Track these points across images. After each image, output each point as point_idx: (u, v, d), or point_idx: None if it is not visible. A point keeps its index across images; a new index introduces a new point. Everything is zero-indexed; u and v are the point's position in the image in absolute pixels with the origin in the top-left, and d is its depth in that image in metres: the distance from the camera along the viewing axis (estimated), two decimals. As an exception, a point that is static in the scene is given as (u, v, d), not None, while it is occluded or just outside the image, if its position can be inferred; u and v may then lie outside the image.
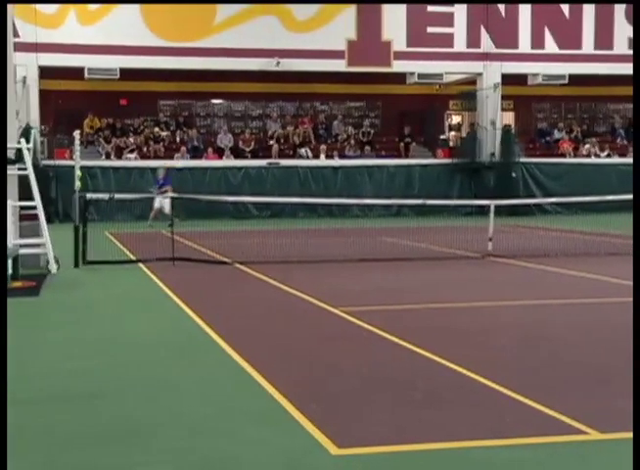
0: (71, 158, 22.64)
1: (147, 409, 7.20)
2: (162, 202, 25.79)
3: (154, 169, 30.19)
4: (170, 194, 25.14)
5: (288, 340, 10.07)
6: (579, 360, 8.80)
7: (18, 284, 14.27)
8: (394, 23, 34.57)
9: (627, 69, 36.01)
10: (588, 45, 36.26)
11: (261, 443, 6.23)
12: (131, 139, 34.86)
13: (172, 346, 9.79)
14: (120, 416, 6.98)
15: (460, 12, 35.18)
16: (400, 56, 34.78)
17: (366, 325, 10.55)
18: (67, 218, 24.63)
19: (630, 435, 6.20)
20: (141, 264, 17.21)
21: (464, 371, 8.14)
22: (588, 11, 36.19)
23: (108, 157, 33.28)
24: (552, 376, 8.14)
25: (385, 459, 5.82)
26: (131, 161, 33.03)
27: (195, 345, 9.79)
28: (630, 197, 24.16)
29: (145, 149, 34.29)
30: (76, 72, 31.93)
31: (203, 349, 9.53)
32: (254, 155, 34.71)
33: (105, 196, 20.98)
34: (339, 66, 34.34)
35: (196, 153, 34.70)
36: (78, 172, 18.79)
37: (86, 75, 31.98)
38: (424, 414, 6.89)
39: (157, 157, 33.54)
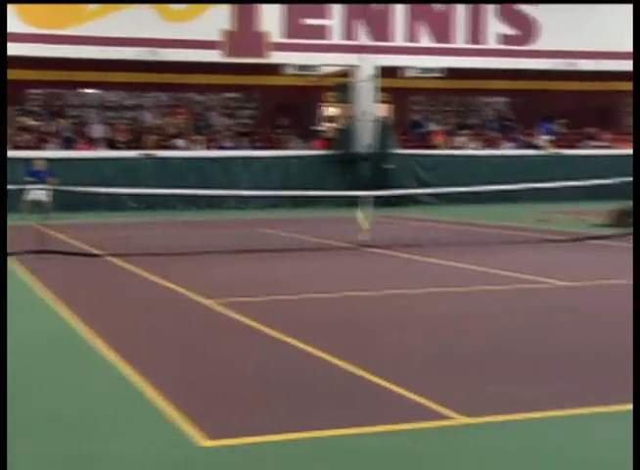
0: None
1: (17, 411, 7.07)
2: (39, 194, 25.27)
3: (28, 160, 29.64)
4: (48, 186, 24.73)
5: (161, 334, 9.93)
6: (449, 347, 8.89)
7: None
8: (271, 14, 34.58)
9: (498, 63, 36.80)
10: (460, 39, 36.75)
11: (131, 437, 6.18)
12: None
13: (38, 343, 9.56)
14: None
15: (336, 4, 35.35)
16: (277, 47, 34.78)
17: (241, 317, 10.53)
18: None
19: (499, 418, 6.43)
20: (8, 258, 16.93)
21: (335, 361, 8.16)
22: (461, 6, 36.63)
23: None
24: (422, 363, 8.22)
25: (256, 449, 5.83)
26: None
27: (67, 345, 9.53)
28: (503, 188, 24.74)
29: (14, 139, 33.59)
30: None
31: (76, 349, 9.28)
32: (129, 146, 34.42)
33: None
34: (215, 56, 34.20)
35: (68, 144, 34.26)
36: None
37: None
38: (295, 404, 6.91)
39: (25, 147, 32.96)
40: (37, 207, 25.48)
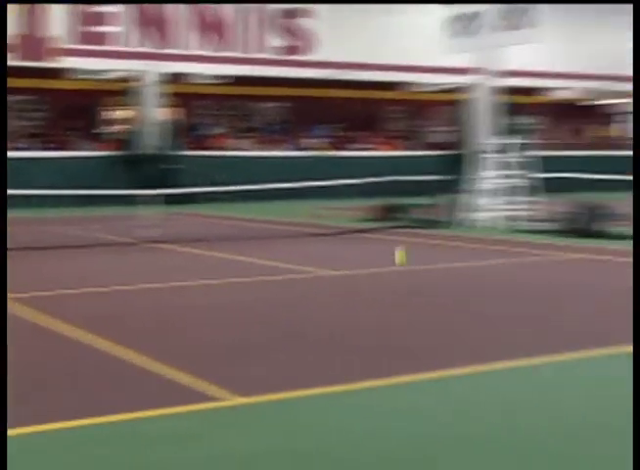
0: None
1: None
2: None
3: None
4: None
5: None
6: (226, 333, 8.87)
7: None
8: (60, 19, 33.91)
9: (277, 72, 37.13)
10: (243, 48, 36.90)
11: None
12: None
13: None
14: None
15: (122, 11, 34.93)
16: (66, 52, 34.14)
17: (29, 309, 10.28)
18: None
19: (271, 397, 6.37)
20: None
21: (115, 350, 8.01)
22: (240, 16, 36.74)
23: None
24: (200, 350, 8.15)
25: (63, 435, 5.67)
26: None
27: None
28: (281, 186, 24.96)
29: None
30: None
31: None
32: None
33: None
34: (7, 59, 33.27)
35: None
36: None
37: None
38: (75, 392, 6.73)
39: None
40: None
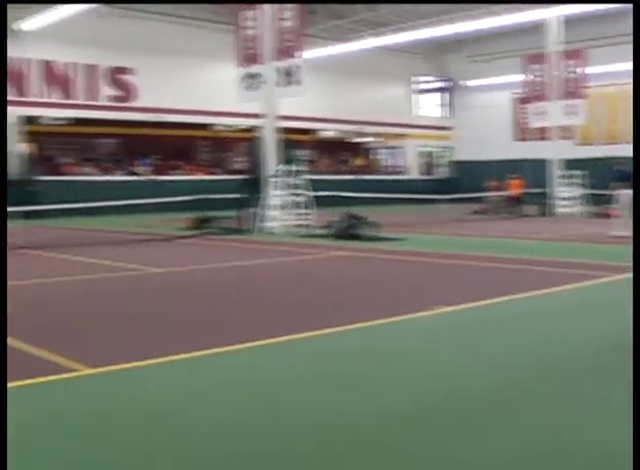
0: None
1: None
2: None
3: None
4: None
5: None
6: (64, 319, 8.61)
7: None
8: None
9: (110, 115, 36.60)
10: (82, 97, 36.20)
11: None
12: None
13: None
14: None
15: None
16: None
17: None
18: None
19: (121, 366, 6.24)
20: None
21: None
22: (81, 72, 35.99)
23: None
24: (51, 330, 7.85)
25: None
26: None
27: None
28: (115, 203, 24.47)
29: None
30: None
31: None
32: None
33: None
34: None
35: None
36: None
37: None
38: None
39: None
40: None
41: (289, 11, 22.97)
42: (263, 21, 23.08)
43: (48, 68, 35.23)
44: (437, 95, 51.64)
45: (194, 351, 6.73)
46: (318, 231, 20.61)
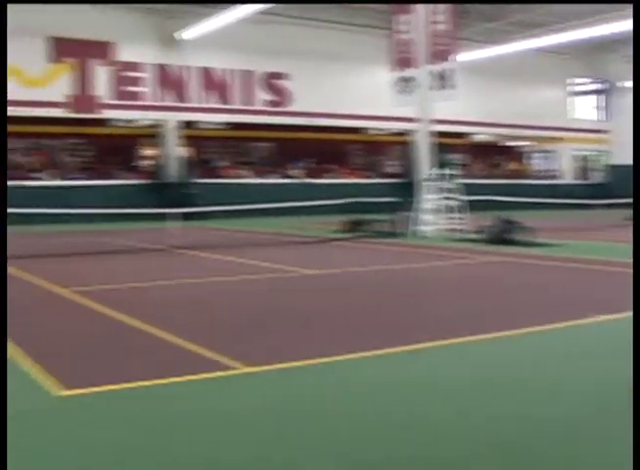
0: None
1: None
2: None
3: None
4: None
5: (22, 311, 9.53)
6: (234, 317, 8.78)
7: None
8: (101, 82, 33.96)
9: (265, 119, 37.42)
10: (239, 102, 37.12)
11: None
12: None
13: None
14: None
15: (149, 76, 35.03)
16: (107, 106, 34.19)
17: (82, 299, 10.18)
18: None
19: (277, 366, 6.34)
20: None
21: (150, 329, 7.91)
22: (237, 79, 36.95)
23: None
24: (215, 329, 8.03)
25: (101, 397, 5.51)
26: None
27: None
28: (272, 205, 25.00)
29: None
30: None
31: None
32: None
33: None
34: (62, 113, 33.35)
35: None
36: None
37: None
38: (123, 360, 6.62)
39: None
40: None
41: (442, 14, 22.81)
42: (417, 24, 23.00)
43: (206, 74, 36.39)
44: (594, 97, 50.00)
45: (355, 351, 6.75)
46: (471, 235, 20.31)
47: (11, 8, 30.74)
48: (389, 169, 40.77)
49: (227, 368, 6.24)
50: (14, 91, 31.60)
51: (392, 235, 21.24)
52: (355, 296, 10.60)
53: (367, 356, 6.63)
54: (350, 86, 38.80)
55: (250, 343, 7.33)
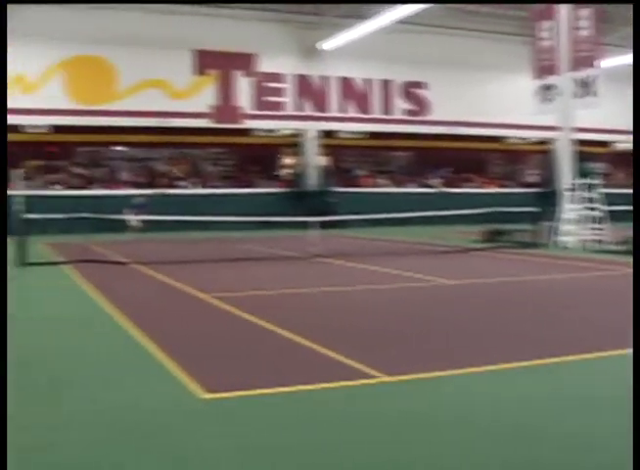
0: (14, 188, 22.07)
1: (61, 368, 6.99)
2: (133, 220, 25.58)
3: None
4: (141, 217, 25.19)
5: (168, 315, 9.93)
6: (375, 325, 8.89)
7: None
8: (244, 93, 34.79)
9: (404, 128, 37.38)
10: (377, 112, 37.26)
11: (144, 392, 6.05)
12: (58, 175, 34.27)
13: (82, 322, 9.49)
14: (44, 373, 6.80)
15: (290, 86, 35.67)
16: (249, 117, 34.98)
17: (226, 305, 10.51)
18: (11, 232, 23.70)
19: (413, 376, 6.40)
20: (64, 265, 16.81)
21: (294, 336, 8.11)
22: (376, 88, 37.15)
23: (42, 188, 32.57)
24: (356, 337, 8.15)
25: (244, 401, 5.75)
26: (58, 190, 32.38)
27: (99, 321, 9.45)
28: (409, 215, 24.92)
29: (68, 182, 33.73)
30: (19, 128, 31.20)
31: (104, 324, 9.19)
32: (147, 186, 34.28)
33: (39, 216, 20.40)
34: (205, 123, 34.36)
35: (105, 185, 34.23)
36: (20, 199, 18.29)
37: (25, 130, 31.34)
38: (267, 366, 6.84)
39: (76, 188, 33.12)
40: (134, 229, 25.70)
41: (585, 20, 22.27)
42: (559, 31, 22.54)
43: (346, 84, 36.77)
44: None
45: (495, 363, 6.73)
46: (613, 247, 19.71)
47: (157, 23, 32.10)
48: (529, 179, 40.05)
49: (368, 376, 6.35)
50: (161, 102, 32.91)
51: (533, 245, 20.85)
52: (495, 307, 10.50)
53: (509, 368, 6.61)
54: (490, 94, 38.37)
55: (388, 351, 7.42)
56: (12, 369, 6.22)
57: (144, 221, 26.01)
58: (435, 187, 38.29)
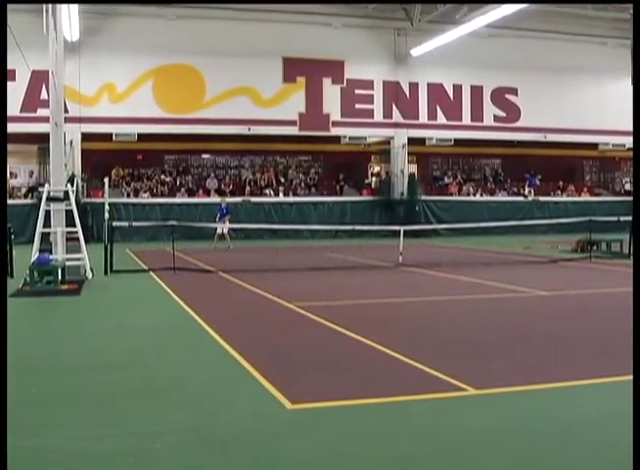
0: (103, 196, 22.63)
1: (159, 374, 7.19)
2: (222, 227, 25.95)
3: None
4: (228, 224, 25.59)
5: (255, 325, 10.09)
6: (463, 337, 8.86)
7: (65, 287, 14.16)
8: (332, 100, 34.91)
9: (493, 135, 36.99)
10: (466, 118, 36.91)
11: (235, 401, 6.20)
12: (145, 183, 35.00)
13: (172, 331, 9.76)
14: (146, 378, 7.00)
15: (378, 93, 35.65)
16: (336, 124, 35.09)
17: (311, 315, 10.59)
18: (99, 240, 24.16)
19: (502, 390, 6.35)
20: (151, 272, 17.16)
21: (380, 347, 8.15)
22: (466, 94, 36.85)
23: (128, 196, 33.33)
24: (444, 349, 8.16)
25: (329, 412, 5.80)
26: (145, 198, 33.06)
27: (189, 330, 9.72)
28: (498, 224, 24.64)
29: (154, 190, 34.43)
30: (107, 137, 31.99)
31: (195, 333, 9.46)
32: (232, 194, 34.73)
33: (126, 224, 20.90)
34: (292, 131, 34.60)
35: (190, 193, 34.83)
36: (107, 207, 18.84)
37: (114, 139, 32.10)
38: (353, 377, 6.90)
39: (162, 195, 33.81)
40: (222, 237, 26.08)
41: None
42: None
43: (435, 90, 36.49)
44: None
45: (592, 377, 6.63)
46: None
47: (246, 31, 32.54)
48: (626, 186, 39.13)
49: (456, 389, 6.36)
50: (248, 110, 33.33)
51: (629, 256, 20.33)
52: (587, 319, 10.32)
53: (605, 383, 6.51)
54: (584, 100, 37.52)
55: (477, 363, 7.37)
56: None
57: (231, 230, 26.36)
58: (526, 196, 37.72)
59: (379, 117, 35.92)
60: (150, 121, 32.15)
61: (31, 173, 34.25)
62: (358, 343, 8.54)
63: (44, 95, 25.61)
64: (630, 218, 21.82)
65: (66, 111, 19.59)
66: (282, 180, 37.29)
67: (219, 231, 26.18)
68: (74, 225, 16.10)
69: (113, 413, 5.81)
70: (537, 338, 8.80)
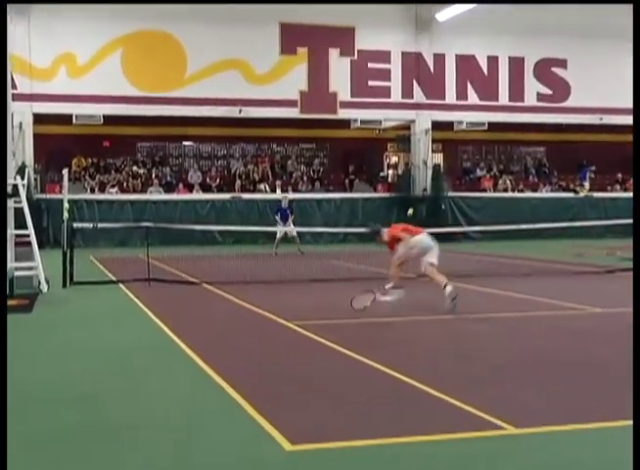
0: (61, 192, 22.60)
1: (124, 411, 7.13)
2: (289, 230, 26.05)
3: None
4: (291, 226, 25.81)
5: (244, 346, 10.09)
6: (497, 364, 8.82)
7: (13, 302, 14.11)
8: (340, 76, 34.80)
9: (536, 118, 36.76)
10: (504, 97, 36.76)
11: (220, 441, 6.18)
12: (113, 176, 35.02)
13: (146, 354, 9.74)
14: (103, 416, 6.93)
15: (396, 67, 35.51)
16: (345, 105, 35.01)
17: (312, 335, 10.55)
18: (56, 244, 24.06)
19: (541, 429, 6.30)
20: (121, 284, 17.12)
21: (395, 374, 8.13)
22: (503, 68, 36.70)
23: (92, 191, 33.33)
24: (475, 377, 8.13)
25: (332, 454, 5.76)
26: (113, 195, 33.02)
27: (165, 353, 9.74)
28: (542, 226, 24.54)
29: (125, 184, 34.41)
30: (66, 119, 31.93)
31: (172, 356, 9.47)
32: (220, 189, 34.72)
33: (89, 225, 20.89)
34: (292, 113, 34.51)
35: (169, 188, 34.75)
36: (66, 205, 18.80)
37: (74, 121, 32.05)
38: (364, 410, 6.86)
39: (135, 191, 33.71)
40: (287, 239, 26.16)
41: None
42: None
43: (465, 64, 36.33)
44: None
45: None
46: None
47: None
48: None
49: (494, 428, 6.35)
50: (238, 88, 33.25)
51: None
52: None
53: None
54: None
55: (514, 397, 7.33)
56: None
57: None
58: (577, 191, 37.59)
59: (396, 96, 35.86)
60: (118, 100, 32.07)
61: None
62: (368, 369, 8.52)
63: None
64: None
65: (13, 86, 19.59)
66: (279, 173, 37.30)
67: (280, 235, 26.27)
68: (26, 227, 16.10)
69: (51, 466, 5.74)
70: (585, 365, 8.80)
